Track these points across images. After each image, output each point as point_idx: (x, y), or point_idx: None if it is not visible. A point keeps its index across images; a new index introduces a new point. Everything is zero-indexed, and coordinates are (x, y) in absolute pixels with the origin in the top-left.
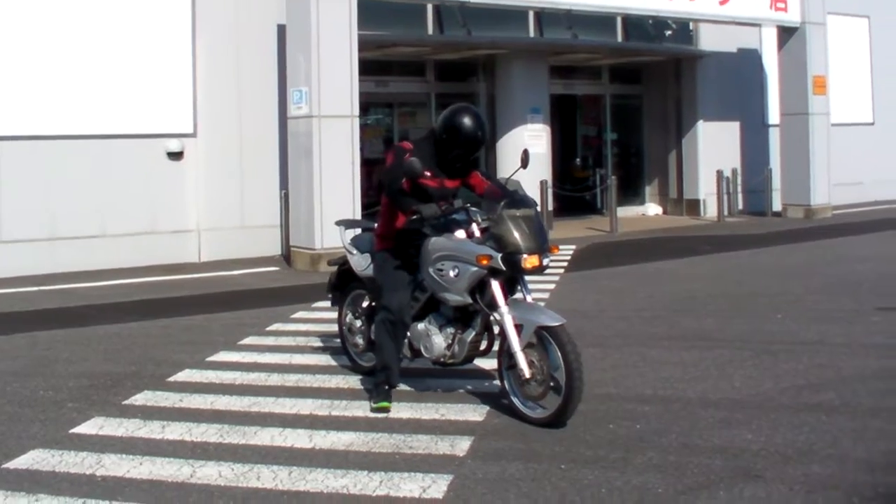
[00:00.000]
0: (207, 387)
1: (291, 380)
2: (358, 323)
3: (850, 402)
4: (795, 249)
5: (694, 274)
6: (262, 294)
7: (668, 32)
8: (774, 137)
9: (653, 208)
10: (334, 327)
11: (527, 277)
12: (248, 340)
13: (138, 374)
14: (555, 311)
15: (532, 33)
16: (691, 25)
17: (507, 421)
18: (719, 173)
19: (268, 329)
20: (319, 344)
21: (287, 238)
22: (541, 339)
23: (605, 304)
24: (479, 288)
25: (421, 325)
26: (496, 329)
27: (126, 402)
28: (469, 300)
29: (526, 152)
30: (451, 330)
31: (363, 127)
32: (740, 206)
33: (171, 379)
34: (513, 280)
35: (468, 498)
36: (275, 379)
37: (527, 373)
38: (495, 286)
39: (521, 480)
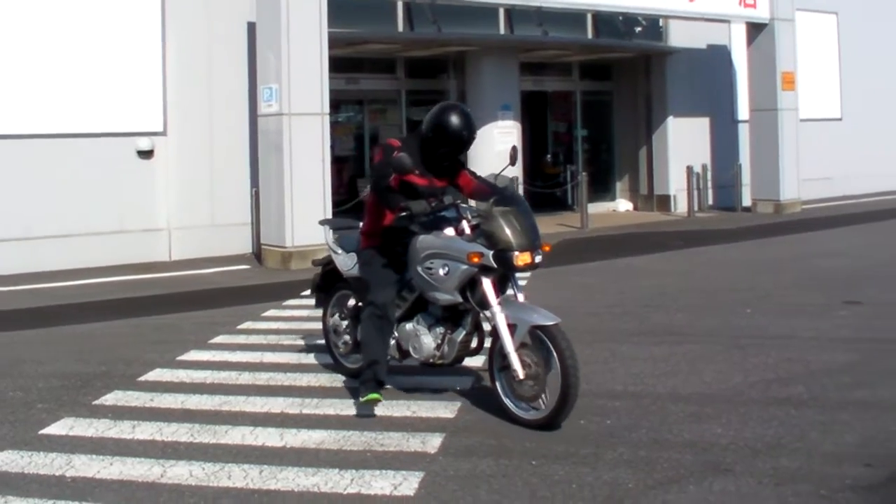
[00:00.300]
0: (178, 386)
1: (262, 378)
2: (343, 324)
3: (819, 395)
4: (765, 244)
5: (664, 269)
6: (232, 292)
7: (638, 29)
8: (744, 133)
9: (623, 204)
10: (305, 325)
11: (516, 275)
12: (218, 339)
13: (108, 374)
14: (548, 310)
15: (502, 30)
16: (661, 22)
17: (478, 417)
18: (689, 169)
19: (239, 327)
20: (290, 342)
21: (258, 236)
22: (535, 339)
23: (575, 300)
24: (470, 286)
25: (409, 326)
26: (486, 328)
27: (96, 402)
28: (459, 299)
29: (515, 149)
30: (440, 330)
31: (334, 124)
32: (710, 202)
33: (142, 378)
34: (504, 278)
35: (439, 495)
36: (246, 377)
37: (521, 373)
38: (487, 284)
39: (492, 477)
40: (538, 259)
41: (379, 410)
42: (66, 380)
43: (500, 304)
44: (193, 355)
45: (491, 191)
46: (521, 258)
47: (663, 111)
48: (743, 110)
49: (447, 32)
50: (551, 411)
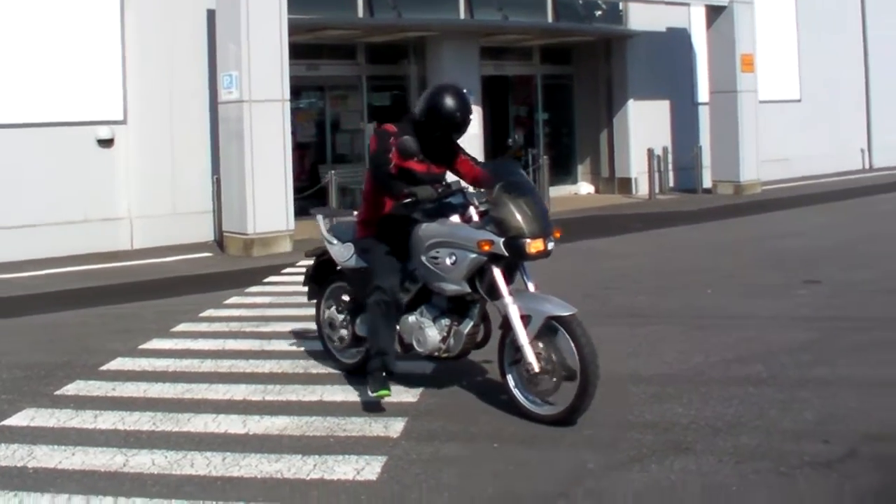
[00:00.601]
0: (140, 375)
1: (225, 366)
2: (340, 317)
3: (778, 374)
4: (725, 225)
5: (626, 252)
6: (195, 280)
7: (598, 13)
8: (704, 115)
9: (585, 187)
10: (268, 312)
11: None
12: (181, 327)
13: (70, 364)
14: (562, 299)
15: (462, 15)
16: (621, 5)
17: (441, 401)
18: (650, 151)
19: (201, 315)
20: (253, 329)
21: (220, 224)
22: (549, 330)
23: (537, 282)
24: (478, 275)
25: (412, 318)
26: (492, 318)
27: (58, 392)
28: (468, 289)
29: (519, 133)
30: (445, 322)
31: (295, 111)
32: (671, 184)
33: (104, 368)
34: (512, 266)
35: (402, 479)
36: (208, 365)
37: (536, 367)
38: (497, 274)
39: (455, 460)
40: (550, 246)
41: (340, 395)
42: (28, 370)
43: (511, 294)
44: (155, 344)
45: (494, 176)
46: (534, 245)
47: (624, 94)
48: (703, 93)
49: (407, 18)
50: (569, 406)
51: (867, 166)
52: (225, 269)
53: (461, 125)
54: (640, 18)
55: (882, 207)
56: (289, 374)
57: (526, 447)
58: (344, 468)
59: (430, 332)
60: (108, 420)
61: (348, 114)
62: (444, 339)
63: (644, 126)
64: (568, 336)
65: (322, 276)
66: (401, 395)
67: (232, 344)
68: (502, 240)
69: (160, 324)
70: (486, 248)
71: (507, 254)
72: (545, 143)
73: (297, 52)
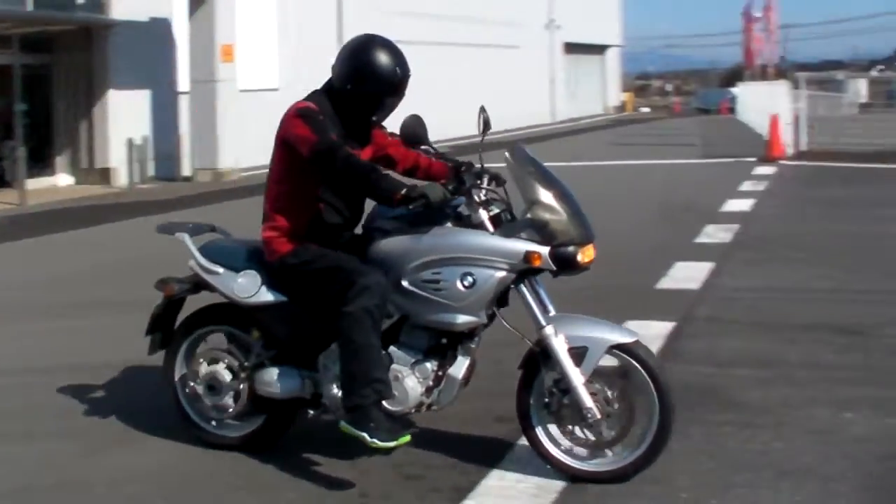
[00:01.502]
0: None
1: None
2: (227, 375)
3: None
4: (204, 211)
5: (103, 242)
6: None
7: (80, 2)
8: (185, 104)
9: (64, 178)
10: None
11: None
12: None
13: None
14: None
15: None
16: None
17: None
18: (130, 141)
19: None
20: None
21: None
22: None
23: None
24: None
25: None
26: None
27: None
28: (485, 320)
29: (483, 108)
30: (430, 365)
31: None
32: (152, 173)
33: None
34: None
35: None
36: None
37: (597, 413)
38: (529, 295)
39: None
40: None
41: None
42: None
43: (548, 321)
44: None
45: (455, 168)
46: (586, 253)
47: (104, 84)
48: (184, 82)
49: None
50: (644, 452)
51: None
52: None
53: (401, 87)
54: (123, 8)
55: None
56: None
57: (41, 443)
58: None
59: (409, 382)
60: None
61: None
62: (428, 391)
63: (125, 116)
64: (638, 366)
65: (170, 322)
66: None
67: None
68: (547, 249)
69: None
70: (537, 262)
71: (554, 267)
72: (24, 135)
73: None
